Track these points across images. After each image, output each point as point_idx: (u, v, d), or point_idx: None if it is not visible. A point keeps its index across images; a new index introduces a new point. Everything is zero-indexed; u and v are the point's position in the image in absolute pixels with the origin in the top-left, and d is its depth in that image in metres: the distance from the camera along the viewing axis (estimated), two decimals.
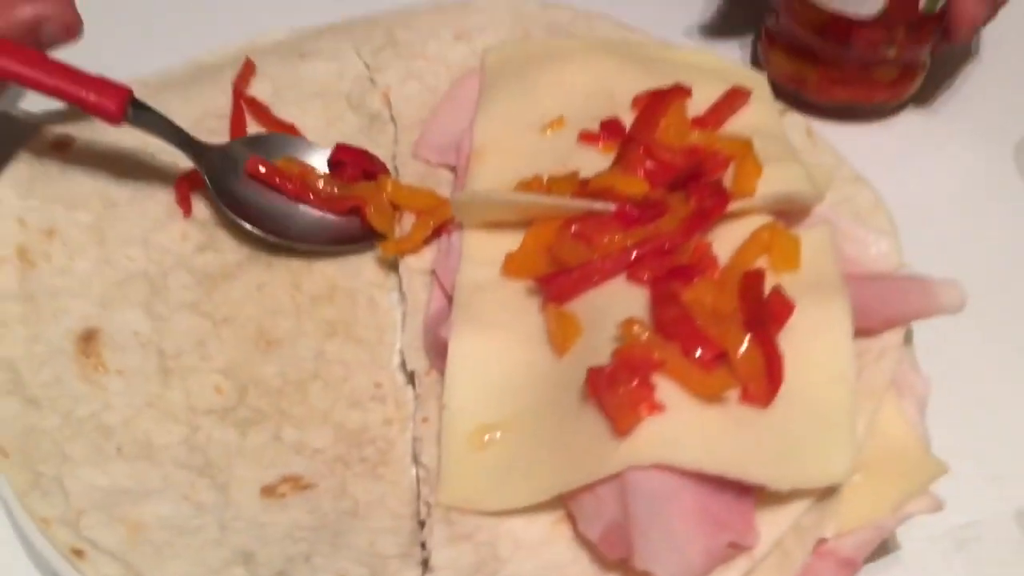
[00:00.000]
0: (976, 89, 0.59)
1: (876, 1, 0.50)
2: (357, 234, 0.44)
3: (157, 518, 0.33)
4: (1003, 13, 0.54)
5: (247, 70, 0.49)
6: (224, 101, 0.47)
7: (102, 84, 0.41)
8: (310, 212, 0.44)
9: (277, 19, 0.53)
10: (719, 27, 0.60)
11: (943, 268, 0.39)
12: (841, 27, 0.52)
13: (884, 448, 0.35)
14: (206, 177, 0.43)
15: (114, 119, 0.41)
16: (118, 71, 0.46)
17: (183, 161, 0.44)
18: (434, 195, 0.44)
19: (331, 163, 0.46)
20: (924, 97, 0.57)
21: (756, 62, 0.58)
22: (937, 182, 0.53)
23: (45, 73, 0.41)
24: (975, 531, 0.39)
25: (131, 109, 0.42)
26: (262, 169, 0.44)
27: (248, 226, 0.43)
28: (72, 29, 0.42)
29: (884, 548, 0.37)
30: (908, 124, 0.56)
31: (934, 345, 0.40)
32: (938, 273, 0.38)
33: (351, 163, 0.45)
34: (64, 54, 0.43)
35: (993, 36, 0.57)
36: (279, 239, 0.43)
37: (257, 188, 0.44)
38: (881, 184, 0.47)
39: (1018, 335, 0.46)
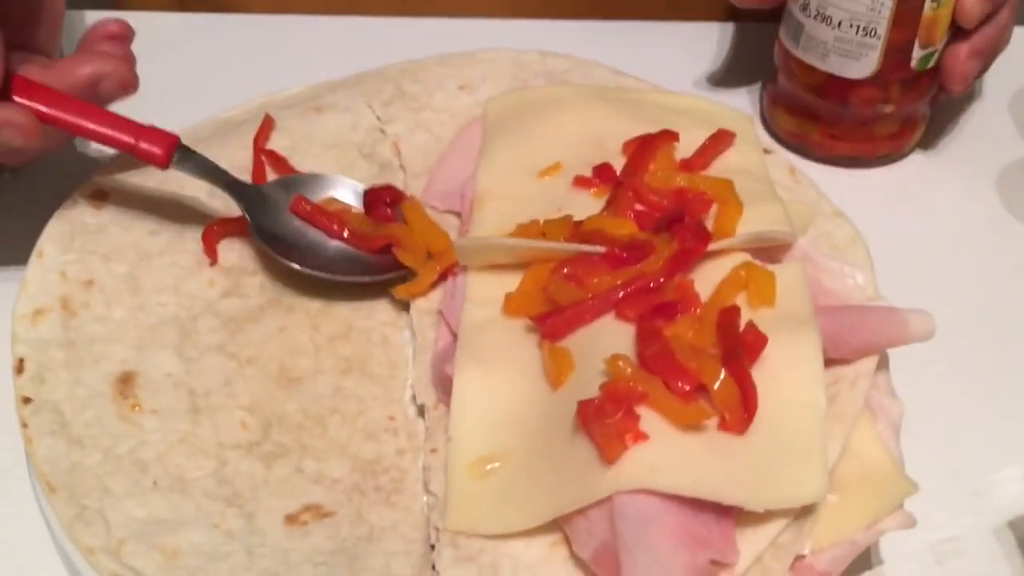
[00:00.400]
0: (966, 126, 0.61)
1: (869, 62, 0.53)
2: (387, 268, 0.47)
3: (190, 545, 0.37)
4: None
5: (267, 125, 0.52)
6: (245, 155, 0.51)
7: (152, 132, 0.45)
8: (343, 248, 0.48)
9: (293, 76, 0.56)
10: (729, 83, 0.63)
11: (925, 297, 0.42)
12: (838, 87, 0.54)
13: (859, 469, 0.37)
14: (246, 214, 0.47)
15: (161, 164, 0.45)
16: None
17: (208, 214, 0.48)
18: (447, 237, 0.47)
19: (366, 203, 0.49)
20: (927, 141, 0.59)
21: (763, 120, 0.60)
22: (930, 218, 0.56)
23: (101, 123, 0.45)
24: (955, 545, 0.41)
25: (177, 154, 0.46)
26: (306, 207, 0.48)
27: (285, 261, 0.46)
28: (128, 85, 0.46)
29: (867, 563, 0.39)
30: (910, 165, 0.59)
31: (911, 370, 0.43)
32: (921, 302, 0.41)
33: (380, 198, 0.49)
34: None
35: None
36: (313, 272, 0.46)
37: (291, 224, 0.48)
38: (874, 221, 0.49)
39: (991, 358, 0.48)
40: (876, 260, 0.46)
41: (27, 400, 0.41)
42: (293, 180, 0.50)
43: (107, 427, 0.40)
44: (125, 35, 0.47)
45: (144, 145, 0.45)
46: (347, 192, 0.50)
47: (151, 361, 0.43)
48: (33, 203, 0.52)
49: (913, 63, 0.53)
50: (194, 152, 0.46)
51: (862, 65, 0.53)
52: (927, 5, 0.51)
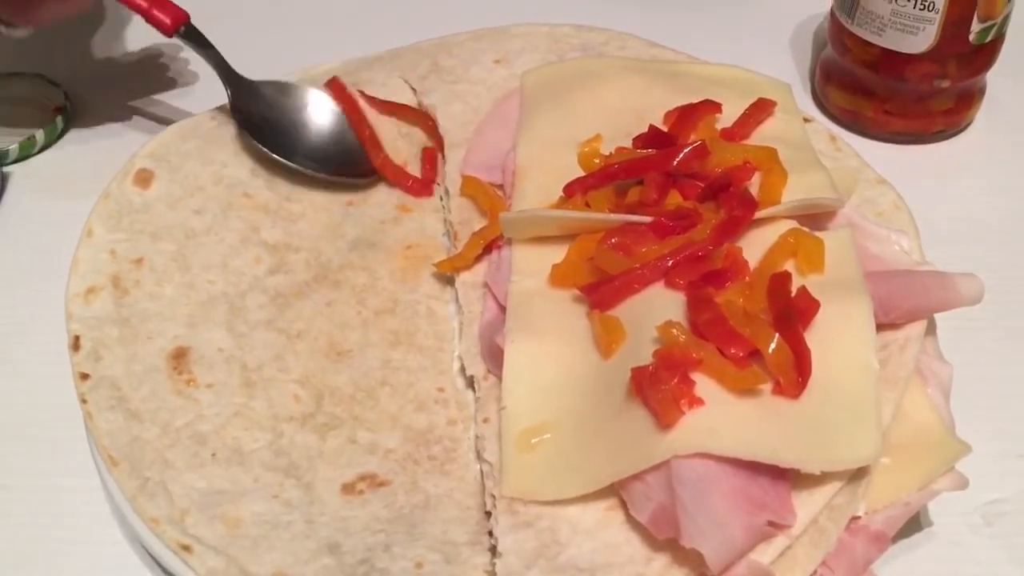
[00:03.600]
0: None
1: (926, 36, 0.52)
2: (353, 174, 0.51)
3: (252, 515, 0.37)
4: None
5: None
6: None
7: (166, 4, 0.49)
8: (313, 144, 0.51)
9: (329, 51, 0.57)
10: (777, 57, 0.62)
11: (973, 264, 0.42)
12: (893, 62, 0.54)
13: (910, 431, 0.37)
14: (230, 96, 0.50)
15: (167, 32, 0.49)
16: (192, 107, 0.50)
17: (250, 193, 0.49)
18: (498, 196, 0.48)
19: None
20: (986, 114, 0.59)
21: (815, 95, 0.60)
22: (981, 190, 0.55)
23: None
24: (1003, 507, 0.41)
25: (184, 28, 0.50)
26: (342, 87, 0.52)
27: (256, 143, 0.49)
28: None
29: (917, 525, 0.40)
30: (965, 139, 0.58)
31: (959, 335, 0.43)
32: (969, 268, 0.41)
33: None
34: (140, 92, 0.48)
35: None
36: (283, 160, 0.49)
37: (271, 119, 0.51)
38: (924, 192, 0.49)
39: None
40: (924, 230, 0.46)
41: (85, 376, 0.41)
42: (287, 85, 0.52)
43: (164, 401, 0.41)
44: None
45: (156, 11, 0.49)
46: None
47: (203, 337, 0.44)
48: (73, 184, 0.53)
49: (972, 37, 0.53)
50: (199, 32, 0.50)
51: (919, 40, 0.53)
52: None
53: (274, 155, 0.49)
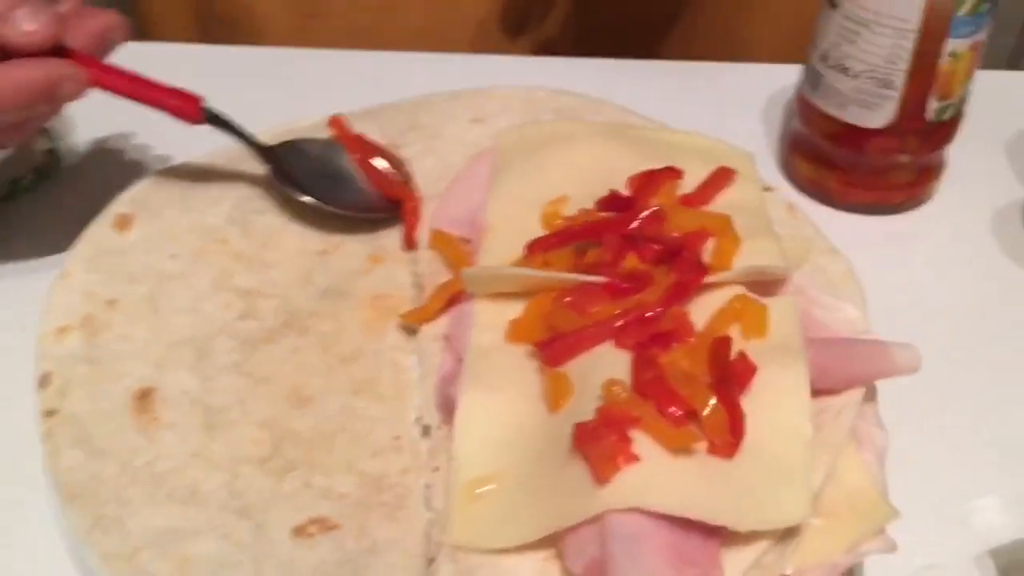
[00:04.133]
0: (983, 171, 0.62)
1: (885, 113, 0.54)
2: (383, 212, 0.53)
3: (202, 553, 0.38)
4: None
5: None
6: (253, 187, 0.53)
7: (180, 92, 0.50)
8: (353, 191, 0.53)
9: (312, 108, 0.59)
10: (746, 126, 0.65)
11: (917, 334, 0.43)
12: (855, 136, 0.56)
13: (843, 494, 0.38)
14: (267, 166, 0.52)
15: (193, 119, 0.50)
16: (175, 156, 0.52)
17: (223, 239, 0.50)
18: (464, 251, 0.50)
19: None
20: (949, 188, 0.61)
21: (784, 164, 0.62)
22: (932, 261, 0.58)
23: (131, 83, 0.49)
24: (936, 573, 0.42)
25: (206, 112, 0.50)
26: (346, 130, 0.55)
27: (302, 197, 0.52)
28: (125, 34, 0.50)
29: None
30: (927, 211, 0.60)
31: (898, 403, 0.44)
32: (913, 337, 0.42)
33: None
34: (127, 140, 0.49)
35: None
36: (325, 206, 0.52)
37: (306, 177, 0.53)
38: (878, 262, 0.51)
39: (979, 393, 0.50)
40: (876, 299, 0.48)
41: (51, 412, 0.43)
42: (306, 143, 0.55)
43: (126, 440, 0.42)
44: None
45: (176, 102, 0.50)
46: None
47: (169, 378, 0.45)
48: (54, 227, 0.55)
49: (930, 115, 0.55)
50: (219, 113, 0.51)
51: (879, 115, 0.55)
52: (944, 59, 0.53)
53: (320, 203, 0.52)
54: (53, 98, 0.46)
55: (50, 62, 0.46)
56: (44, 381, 0.44)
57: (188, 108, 0.50)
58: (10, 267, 0.53)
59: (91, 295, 0.47)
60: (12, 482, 0.43)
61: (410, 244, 0.52)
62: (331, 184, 0.53)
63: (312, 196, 0.52)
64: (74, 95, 0.47)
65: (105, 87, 0.48)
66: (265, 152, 0.53)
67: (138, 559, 0.38)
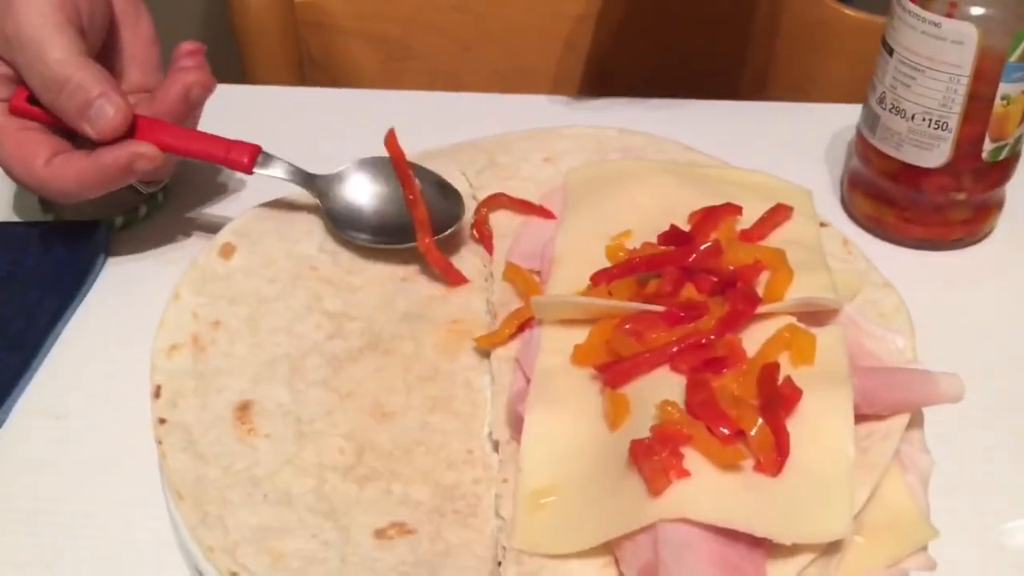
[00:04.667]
0: None
1: (941, 153, 0.57)
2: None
3: (293, 550, 0.43)
4: None
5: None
6: None
7: (239, 144, 0.57)
8: (389, 223, 0.57)
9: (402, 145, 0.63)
10: (809, 164, 0.67)
11: (963, 365, 0.45)
12: (912, 174, 0.58)
13: (886, 514, 0.41)
14: (319, 202, 0.57)
15: (246, 170, 0.56)
16: (274, 191, 0.58)
17: (315, 267, 0.55)
18: (534, 282, 0.53)
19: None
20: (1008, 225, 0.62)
21: (843, 201, 0.65)
22: (987, 297, 0.59)
23: (199, 143, 0.56)
24: None
25: (259, 158, 0.56)
26: (397, 150, 0.58)
27: (350, 234, 0.56)
28: (209, 87, 0.57)
29: None
30: (983, 249, 0.62)
31: (946, 429, 0.46)
32: (959, 368, 0.44)
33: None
34: (230, 174, 0.55)
35: None
36: (374, 242, 0.56)
37: (355, 207, 0.57)
38: (931, 296, 0.53)
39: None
40: (930, 333, 0.50)
41: (162, 420, 0.48)
42: (369, 160, 0.59)
43: (227, 447, 0.47)
44: (199, 50, 0.58)
45: (233, 155, 0.56)
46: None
47: (265, 392, 0.50)
48: (167, 253, 0.60)
49: (984, 155, 0.57)
50: (272, 156, 0.57)
51: (934, 155, 0.57)
52: (997, 102, 0.55)
53: (359, 239, 0.57)
54: (132, 174, 0.54)
55: (129, 144, 0.54)
56: (156, 393, 0.49)
57: (242, 161, 0.56)
58: (128, 289, 0.59)
59: (198, 316, 0.52)
60: (133, 480, 0.48)
61: (450, 282, 0.55)
62: (377, 208, 0.57)
63: (358, 229, 0.57)
64: (149, 168, 0.54)
65: (171, 151, 0.55)
66: (315, 188, 0.58)
67: (238, 553, 0.42)
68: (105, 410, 0.52)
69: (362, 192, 0.58)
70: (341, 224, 0.57)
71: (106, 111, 0.53)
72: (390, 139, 0.58)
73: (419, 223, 0.56)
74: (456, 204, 0.58)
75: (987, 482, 0.48)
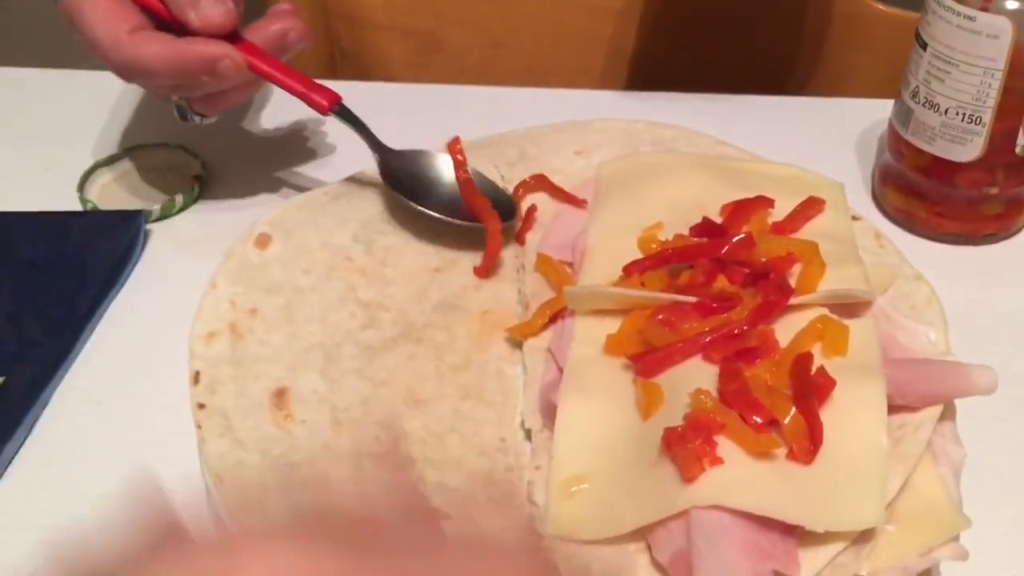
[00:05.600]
0: None
1: (974, 147, 0.57)
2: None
3: None
4: None
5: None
6: (376, 211, 0.59)
7: (321, 87, 0.58)
8: (445, 197, 0.58)
9: (431, 138, 0.64)
10: (841, 158, 0.67)
11: (998, 358, 0.45)
12: (944, 169, 0.58)
13: (918, 504, 0.41)
14: (378, 161, 0.58)
15: (323, 111, 0.58)
16: (308, 183, 0.58)
17: (350, 257, 0.56)
18: (566, 273, 0.54)
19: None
20: None
21: (874, 195, 0.65)
22: (1017, 289, 0.59)
23: (278, 68, 0.57)
24: None
25: (337, 107, 0.58)
26: (456, 147, 0.60)
27: (400, 197, 0.57)
28: (305, 37, 0.59)
29: None
30: (1016, 243, 0.62)
31: (978, 421, 0.46)
32: (993, 360, 0.44)
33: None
34: (266, 167, 0.56)
35: None
36: (421, 209, 0.57)
37: (411, 181, 0.58)
38: (964, 290, 0.53)
39: None
40: (962, 326, 0.50)
41: (201, 406, 0.48)
42: (423, 152, 0.60)
43: (265, 432, 0.48)
44: (294, 9, 0.59)
45: (315, 95, 0.57)
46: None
47: (301, 380, 0.50)
48: (204, 243, 0.61)
49: (1018, 149, 0.56)
50: (350, 110, 0.58)
51: (967, 150, 0.57)
52: None
53: (413, 205, 0.57)
54: (214, 72, 0.55)
55: (215, 42, 0.55)
56: (195, 379, 0.50)
57: (322, 103, 0.57)
58: (165, 278, 0.60)
59: (235, 305, 0.53)
60: (172, 464, 0.49)
61: (485, 270, 0.56)
62: (433, 192, 0.59)
63: (414, 201, 0.58)
64: (231, 73, 0.55)
65: (257, 71, 0.56)
66: (381, 151, 0.59)
67: None
68: (144, 396, 0.53)
69: (424, 171, 0.60)
70: (402, 190, 0.58)
71: (215, 4, 0.54)
72: (452, 145, 0.60)
73: (485, 210, 0.57)
74: (511, 204, 0.59)
75: (1019, 475, 0.48)
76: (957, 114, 0.56)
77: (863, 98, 0.74)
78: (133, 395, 0.53)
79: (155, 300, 0.58)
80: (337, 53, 0.85)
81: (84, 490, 0.48)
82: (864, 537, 0.39)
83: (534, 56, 0.81)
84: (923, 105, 0.58)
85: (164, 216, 0.64)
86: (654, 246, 0.52)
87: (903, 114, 0.60)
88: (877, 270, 0.51)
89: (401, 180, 0.59)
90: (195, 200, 0.65)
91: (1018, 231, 0.62)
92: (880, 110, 0.67)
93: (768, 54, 0.81)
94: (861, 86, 0.79)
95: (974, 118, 0.56)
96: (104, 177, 0.67)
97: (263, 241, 0.56)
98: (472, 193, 0.58)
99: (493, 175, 0.61)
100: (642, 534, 0.40)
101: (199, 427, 0.47)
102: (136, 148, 0.68)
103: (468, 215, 0.58)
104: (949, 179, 0.58)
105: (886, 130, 0.63)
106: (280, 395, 0.49)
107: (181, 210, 0.64)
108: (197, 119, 0.60)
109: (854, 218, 0.55)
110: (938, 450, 0.43)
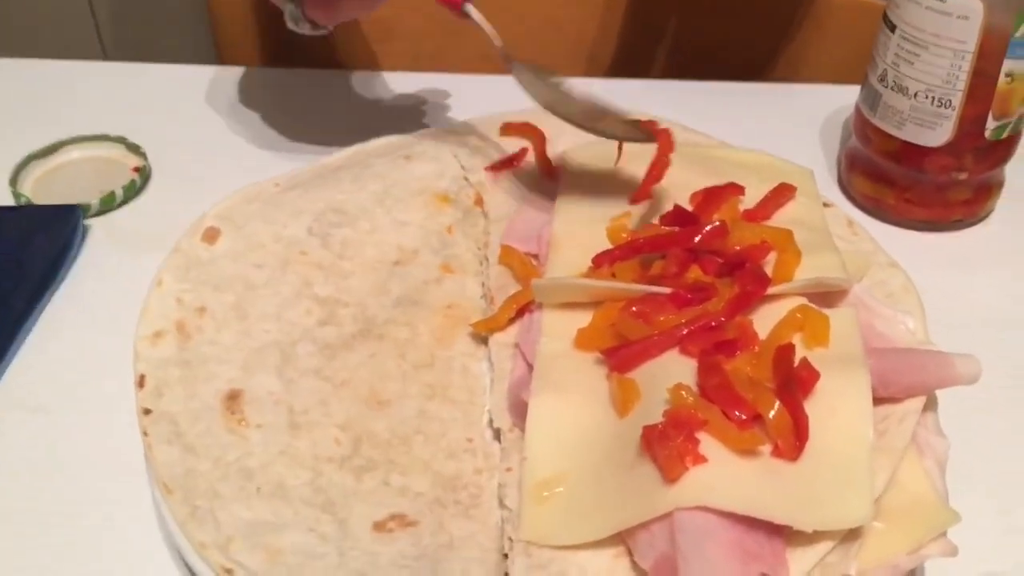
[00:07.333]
0: None
1: (944, 131, 0.56)
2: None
3: (290, 545, 0.41)
4: None
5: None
6: (343, 197, 0.56)
7: None
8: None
9: (387, 127, 0.62)
10: (806, 144, 0.66)
11: (975, 346, 0.44)
12: (913, 154, 0.57)
13: (904, 500, 0.40)
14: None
15: (455, 8, 0.56)
16: (258, 173, 0.55)
17: (304, 251, 0.53)
18: (532, 265, 0.52)
19: None
20: (1006, 206, 0.62)
21: (840, 181, 0.64)
22: (992, 277, 0.58)
23: None
24: None
25: (465, 6, 0.56)
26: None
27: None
28: None
29: None
30: (984, 229, 0.61)
31: (966, 414, 0.45)
32: (971, 348, 0.43)
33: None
34: (212, 158, 0.53)
35: None
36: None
37: None
38: (937, 277, 0.52)
39: None
40: (934, 312, 0.49)
41: (147, 411, 0.45)
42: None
43: (217, 438, 0.45)
44: None
45: None
46: None
47: (255, 381, 0.47)
48: (147, 238, 0.58)
49: (987, 133, 0.56)
50: (475, 14, 0.56)
51: (937, 134, 0.56)
52: (1001, 79, 0.54)
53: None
54: None
55: None
56: (140, 382, 0.46)
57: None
58: (106, 276, 0.56)
59: (182, 302, 0.50)
60: (116, 475, 0.46)
61: (642, 194, 0.51)
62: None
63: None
64: None
65: None
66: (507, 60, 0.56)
67: (231, 549, 0.40)
68: (85, 402, 0.50)
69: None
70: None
71: None
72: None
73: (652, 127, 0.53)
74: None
75: (1003, 466, 0.47)
76: (926, 97, 0.55)
77: (824, 83, 0.73)
78: (73, 401, 0.50)
79: (96, 299, 0.55)
80: (286, 45, 0.82)
81: (21, 505, 0.45)
82: (852, 535, 0.38)
83: (488, 43, 0.79)
84: (891, 89, 0.57)
85: (104, 210, 0.60)
86: (624, 236, 0.50)
87: (871, 98, 0.58)
88: (852, 257, 0.50)
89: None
90: (137, 193, 0.61)
91: (986, 217, 0.61)
92: (845, 96, 0.66)
93: (728, 40, 0.80)
94: (821, 72, 0.78)
95: (944, 101, 0.55)
96: (38, 170, 0.63)
97: (211, 235, 0.53)
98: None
99: (453, 165, 0.59)
100: (622, 538, 0.38)
101: (145, 434, 0.44)
102: (73, 140, 0.65)
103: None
104: (918, 164, 0.58)
105: (851, 116, 0.62)
106: (233, 398, 0.47)
107: (122, 204, 0.61)
108: (307, 27, 0.56)
109: (825, 205, 0.54)
110: (922, 442, 0.42)
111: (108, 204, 0.60)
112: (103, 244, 0.59)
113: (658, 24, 0.78)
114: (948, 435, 0.43)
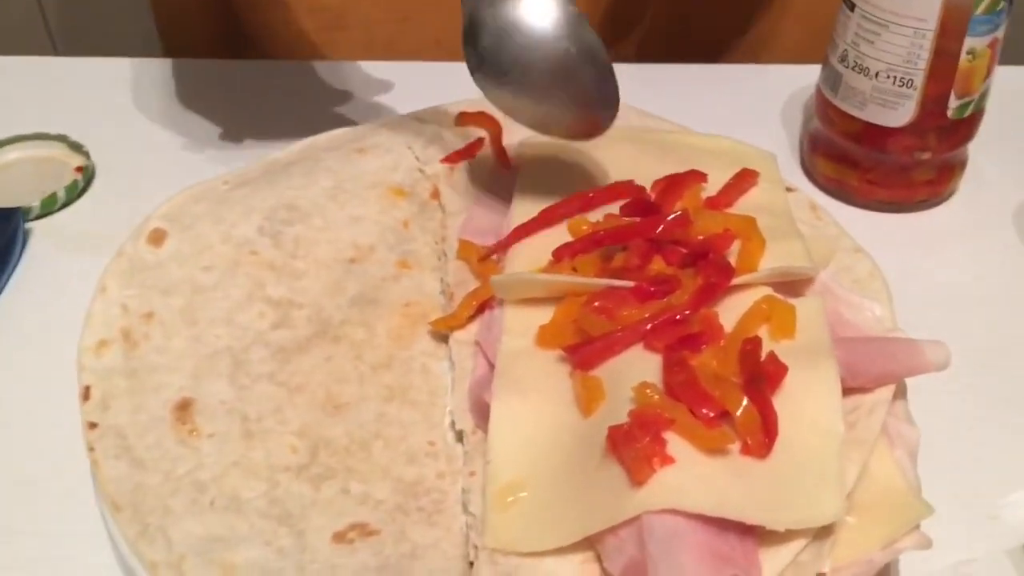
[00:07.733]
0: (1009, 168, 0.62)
1: (906, 111, 0.55)
2: None
3: (245, 561, 0.39)
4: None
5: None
6: (293, 193, 0.54)
7: None
8: None
9: (337, 120, 0.60)
10: (767, 126, 0.65)
11: (944, 331, 0.43)
12: (875, 135, 0.56)
13: (877, 492, 0.39)
14: None
15: None
16: (206, 171, 0.53)
17: (256, 251, 0.51)
18: (491, 260, 0.50)
19: None
20: (970, 185, 0.61)
21: (803, 164, 0.63)
22: (956, 257, 0.57)
23: None
24: (971, 568, 0.43)
25: None
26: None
27: None
28: None
29: None
30: (948, 209, 0.60)
31: (929, 399, 0.45)
32: (940, 334, 0.42)
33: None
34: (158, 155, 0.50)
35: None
36: None
37: None
38: (902, 260, 0.51)
39: (1007, 387, 0.50)
40: (901, 297, 0.48)
41: (93, 425, 0.43)
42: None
43: (167, 450, 0.43)
44: None
45: None
46: None
47: (207, 389, 0.46)
48: (91, 241, 0.56)
49: (949, 112, 0.55)
50: None
51: (899, 114, 0.55)
52: (963, 57, 0.53)
53: None
54: None
55: None
56: (85, 395, 0.45)
57: None
58: (48, 283, 0.54)
59: (128, 309, 0.48)
60: (62, 493, 0.44)
61: None
62: None
63: None
64: None
65: None
66: None
67: (184, 567, 0.39)
68: (26, 417, 0.48)
69: None
70: None
71: None
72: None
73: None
74: None
75: (974, 452, 0.47)
76: (888, 77, 0.54)
77: (783, 64, 0.72)
78: (14, 416, 0.48)
79: (37, 307, 0.53)
80: (235, 36, 0.79)
81: None
82: (825, 532, 0.37)
83: (442, 29, 0.77)
84: (852, 69, 0.56)
85: (45, 213, 0.58)
86: (584, 228, 0.48)
87: (832, 79, 0.57)
88: (816, 243, 0.49)
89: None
90: (79, 194, 0.59)
91: (950, 197, 0.61)
92: (805, 76, 0.65)
93: (691, 22, 0.79)
94: (782, 54, 0.77)
95: (905, 81, 0.54)
96: None
97: (157, 237, 0.51)
98: None
99: (407, 157, 0.57)
100: (590, 544, 0.37)
101: (91, 449, 0.43)
102: (10, 140, 0.62)
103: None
104: (881, 145, 0.57)
105: (812, 97, 0.61)
106: (183, 407, 0.45)
107: (64, 206, 0.58)
108: None
109: (788, 189, 0.53)
110: (892, 432, 0.41)
111: (50, 206, 0.58)
112: (45, 248, 0.56)
113: (620, 7, 0.76)
114: (917, 422, 0.43)
